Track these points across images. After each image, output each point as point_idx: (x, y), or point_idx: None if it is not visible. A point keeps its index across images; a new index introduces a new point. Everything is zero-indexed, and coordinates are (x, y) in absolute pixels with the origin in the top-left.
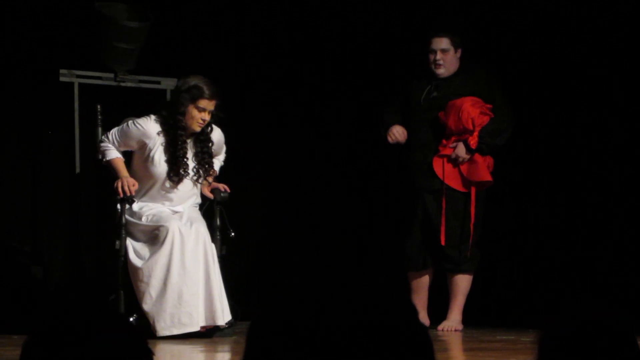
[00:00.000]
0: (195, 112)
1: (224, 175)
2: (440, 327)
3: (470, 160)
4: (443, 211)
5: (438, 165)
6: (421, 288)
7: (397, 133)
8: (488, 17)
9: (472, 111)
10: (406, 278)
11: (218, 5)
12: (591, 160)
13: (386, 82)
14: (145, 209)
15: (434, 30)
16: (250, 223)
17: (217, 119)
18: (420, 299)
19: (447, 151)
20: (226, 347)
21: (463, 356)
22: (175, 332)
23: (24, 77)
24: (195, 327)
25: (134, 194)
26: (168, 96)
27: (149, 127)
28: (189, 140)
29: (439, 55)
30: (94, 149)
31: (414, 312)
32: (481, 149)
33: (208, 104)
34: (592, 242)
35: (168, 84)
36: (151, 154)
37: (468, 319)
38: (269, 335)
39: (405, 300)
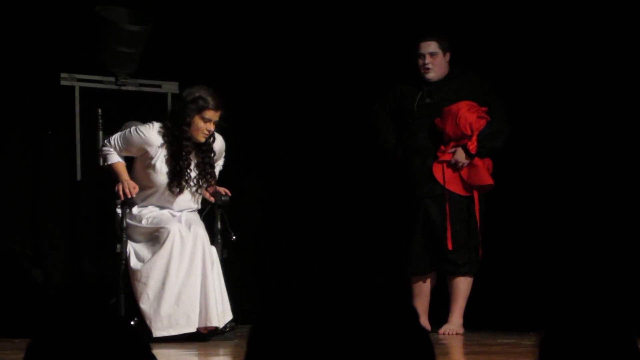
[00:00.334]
0: (200, 123)
1: (224, 177)
2: (441, 331)
3: (470, 165)
4: (447, 216)
5: (438, 171)
6: (423, 293)
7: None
8: (488, 17)
9: (469, 116)
10: (407, 282)
11: (218, 7)
12: (591, 160)
13: (386, 81)
14: (145, 212)
15: (421, 34)
16: (251, 225)
17: (220, 128)
18: (422, 304)
19: (446, 157)
20: (227, 351)
21: (464, 359)
22: (172, 332)
23: (25, 81)
24: (192, 328)
25: (134, 196)
26: (169, 99)
27: (151, 135)
28: (191, 151)
29: (427, 59)
30: (94, 153)
31: (415, 315)
32: (480, 153)
33: (213, 115)
34: (592, 242)
35: (169, 87)
36: (152, 162)
37: (469, 322)
38: (270, 338)
39: (406, 303)
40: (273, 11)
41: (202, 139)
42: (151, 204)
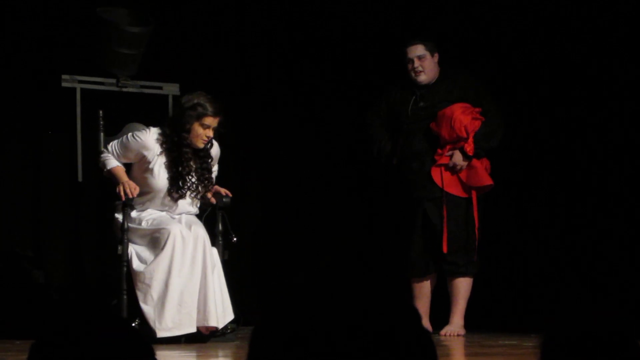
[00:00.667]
0: (200, 130)
1: (224, 178)
2: (442, 332)
3: (469, 166)
4: (445, 219)
5: (436, 174)
6: (423, 294)
7: None
8: (487, 17)
9: (463, 119)
10: (408, 284)
11: (218, 8)
12: (591, 160)
13: (386, 81)
14: (145, 215)
15: (406, 40)
16: (251, 226)
17: (218, 134)
18: (423, 305)
19: (444, 160)
20: (228, 352)
21: None
22: (176, 333)
23: (26, 83)
24: (193, 328)
25: (135, 196)
26: (170, 101)
27: (148, 140)
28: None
29: (416, 63)
30: (96, 154)
31: (417, 316)
32: (477, 154)
33: (212, 121)
34: (593, 242)
35: (170, 89)
36: (150, 166)
37: (470, 323)
38: (272, 339)
39: (407, 305)
40: (273, 11)
41: (201, 145)
42: (149, 208)
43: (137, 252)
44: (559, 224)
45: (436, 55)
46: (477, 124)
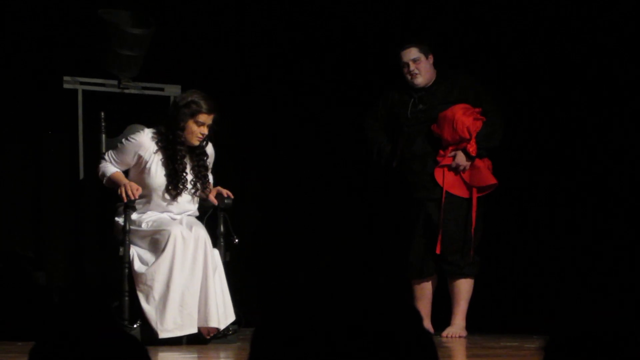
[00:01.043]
0: (194, 127)
1: (225, 178)
2: (444, 334)
3: (472, 166)
4: (441, 220)
5: (439, 175)
6: (424, 296)
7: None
8: (488, 17)
9: (465, 120)
10: (409, 285)
11: (219, 9)
12: (591, 160)
13: (386, 82)
14: (145, 217)
15: (399, 44)
16: (252, 227)
17: (214, 132)
18: (424, 307)
19: (446, 161)
20: (229, 354)
21: None
22: (178, 333)
23: (28, 84)
24: (195, 329)
25: (137, 197)
26: (172, 103)
27: (143, 139)
28: (186, 155)
29: (412, 66)
30: (97, 156)
31: (418, 317)
32: (480, 154)
33: (207, 118)
34: (594, 243)
35: (171, 90)
36: (147, 166)
37: (472, 325)
38: (273, 341)
39: (409, 306)
40: (273, 12)
41: (196, 143)
42: (149, 210)
43: (138, 254)
44: (559, 224)
45: (431, 56)
46: (479, 124)
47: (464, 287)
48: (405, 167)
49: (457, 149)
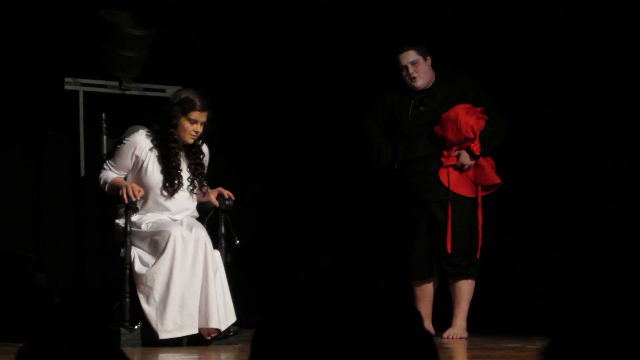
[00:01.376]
0: (187, 124)
1: (225, 179)
2: (445, 335)
3: (476, 165)
4: (449, 220)
5: (444, 175)
6: (426, 297)
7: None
8: (488, 17)
9: (469, 120)
10: (410, 286)
11: (220, 11)
12: (592, 160)
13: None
14: (145, 218)
15: (396, 48)
16: (252, 228)
17: (209, 130)
18: (425, 308)
19: (451, 161)
20: (230, 355)
21: None
22: (178, 334)
23: (29, 86)
24: (195, 330)
25: (139, 198)
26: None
27: (137, 138)
28: (181, 153)
29: (411, 69)
30: (98, 157)
31: (419, 318)
32: (483, 152)
33: (199, 116)
34: (595, 244)
35: (172, 91)
36: (144, 165)
37: (473, 326)
38: (274, 342)
39: (410, 307)
40: (273, 13)
41: (190, 140)
42: (149, 211)
43: (139, 255)
44: (560, 225)
45: (429, 58)
46: (482, 123)
47: (465, 288)
48: (408, 169)
49: (460, 149)
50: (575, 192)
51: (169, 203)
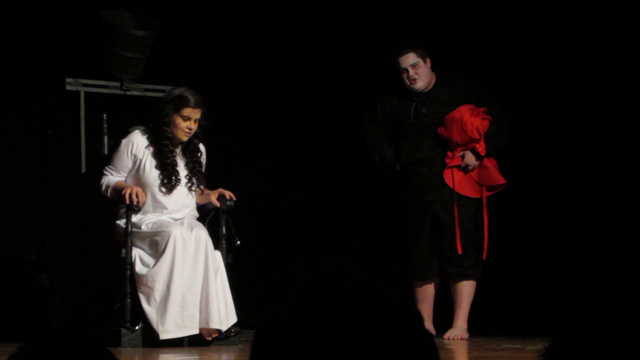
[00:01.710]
0: (180, 121)
1: (227, 180)
2: (446, 336)
3: (480, 165)
4: (457, 221)
5: (448, 176)
6: (427, 298)
7: None
8: (488, 17)
9: (474, 121)
10: (412, 287)
11: (222, 12)
12: (593, 162)
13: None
14: (145, 219)
15: (395, 51)
16: (255, 229)
17: (205, 128)
18: (426, 309)
19: (455, 162)
20: (231, 356)
21: None
22: (179, 334)
23: (30, 86)
24: (196, 330)
25: (141, 205)
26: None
27: (132, 137)
28: (177, 151)
29: (411, 72)
30: (99, 158)
31: (420, 319)
32: (488, 153)
33: (192, 112)
34: (596, 244)
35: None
36: (142, 164)
37: (474, 327)
38: (274, 343)
39: (410, 307)
40: (275, 15)
41: (184, 138)
42: (148, 211)
43: (140, 256)
44: (561, 226)
45: (428, 60)
46: (486, 123)
47: (466, 289)
48: (412, 171)
49: (465, 150)
50: (576, 192)
51: (168, 201)
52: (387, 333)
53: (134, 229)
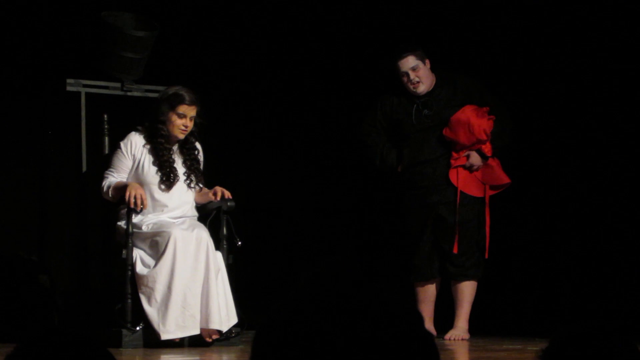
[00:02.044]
0: (175, 118)
1: (228, 181)
2: (447, 336)
3: (484, 165)
4: (457, 220)
5: (453, 176)
6: (428, 298)
7: None
8: (489, 17)
9: (482, 122)
10: (412, 288)
11: (223, 13)
12: (595, 162)
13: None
14: (145, 219)
15: (394, 54)
16: (255, 230)
17: (201, 126)
18: (427, 309)
19: (460, 162)
20: (232, 356)
21: None
22: (180, 335)
23: (31, 87)
24: (197, 330)
25: (145, 207)
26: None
27: (130, 138)
28: (175, 148)
29: (412, 75)
30: (100, 159)
31: (420, 320)
32: (494, 153)
33: (187, 109)
34: (597, 245)
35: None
36: (140, 163)
37: (474, 328)
38: (275, 344)
39: (411, 308)
40: (275, 16)
41: (180, 135)
42: (149, 210)
43: (140, 256)
44: (562, 226)
45: (427, 61)
46: (491, 123)
47: (467, 290)
48: (416, 172)
49: (471, 150)
50: (577, 193)
51: (167, 198)
52: (388, 333)
53: (134, 230)
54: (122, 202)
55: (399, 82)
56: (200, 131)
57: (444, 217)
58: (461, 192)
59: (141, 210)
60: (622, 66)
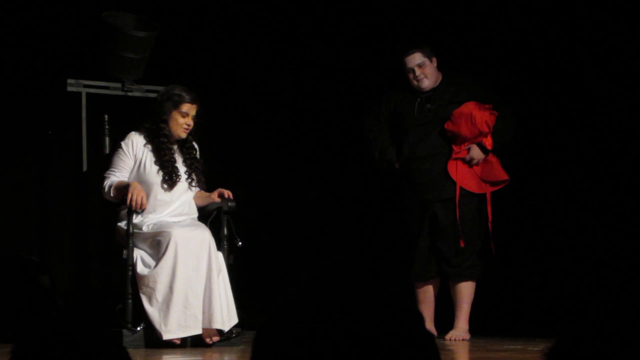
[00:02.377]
0: (178, 117)
1: (228, 181)
2: (447, 337)
3: (485, 161)
4: (457, 216)
5: (452, 168)
6: (427, 298)
7: None
8: (489, 17)
9: (483, 114)
10: (412, 288)
11: (222, 13)
12: (596, 163)
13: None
14: (146, 220)
15: (401, 51)
16: (256, 230)
17: (199, 126)
18: (427, 309)
19: (461, 154)
20: (233, 357)
21: None
22: (182, 334)
23: (32, 87)
24: (199, 330)
25: (145, 207)
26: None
27: (131, 137)
28: (175, 148)
29: (418, 72)
30: (101, 159)
31: (421, 320)
32: (495, 148)
33: (190, 108)
34: (598, 246)
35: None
36: (142, 163)
37: (475, 328)
38: (275, 344)
39: (411, 308)
40: (276, 15)
41: (182, 134)
42: (150, 209)
43: (141, 257)
44: (564, 226)
45: (434, 59)
46: (493, 118)
47: (465, 290)
48: (413, 168)
49: (472, 144)
50: (578, 193)
51: (169, 198)
52: (388, 334)
53: (135, 230)
54: (123, 202)
55: (405, 78)
56: (200, 131)
57: (438, 215)
58: (460, 187)
59: (142, 211)
60: (622, 66)
